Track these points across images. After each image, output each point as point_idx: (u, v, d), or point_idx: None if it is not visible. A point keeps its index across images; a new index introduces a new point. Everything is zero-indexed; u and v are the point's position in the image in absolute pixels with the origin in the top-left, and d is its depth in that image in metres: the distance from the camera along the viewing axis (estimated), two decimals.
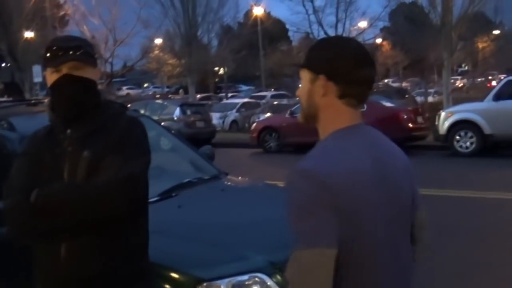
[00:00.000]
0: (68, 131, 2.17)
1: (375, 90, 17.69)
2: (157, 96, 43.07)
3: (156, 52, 40.99)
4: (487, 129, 13.96)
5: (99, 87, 2.34)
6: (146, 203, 2.30)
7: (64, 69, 2.14)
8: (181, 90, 45.13)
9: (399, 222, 1.71)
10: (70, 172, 2.14)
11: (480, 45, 49.34)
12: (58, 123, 2.21)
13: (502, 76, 28.46)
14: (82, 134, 2.17)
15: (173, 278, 2.96)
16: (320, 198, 1.55)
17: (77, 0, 31.42)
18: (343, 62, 1.67)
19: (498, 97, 13.93)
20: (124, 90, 54.38)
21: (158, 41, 37.21)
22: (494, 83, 31.42)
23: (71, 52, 2.14)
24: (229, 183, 4.47)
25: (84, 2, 31.89)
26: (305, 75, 1.73)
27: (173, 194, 3.88)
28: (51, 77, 2.17)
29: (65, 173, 2.14)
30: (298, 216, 1.56)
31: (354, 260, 1.58)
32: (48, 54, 2.17)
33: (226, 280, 2.94)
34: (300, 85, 1.77)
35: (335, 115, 1.69)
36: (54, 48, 2.17)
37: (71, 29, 33.43)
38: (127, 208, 2.10)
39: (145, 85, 65.00)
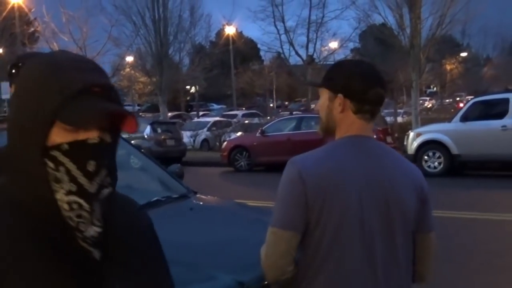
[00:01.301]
0: None
1: None
2: None
3: (127, 70, 40.79)
4: (454, 150, 14.17)
5: None
6: None
7: None
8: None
9: (383, 231, 1.85)
10: None
11: (448, 67, 50.38)
12: None
13: (469, 97, 29.05)
14: None
15: None
16: (295, 184, 1.83)
17: (48, 17, 31.12)
18: (356, 83, 1.92)
19: (465, 118, 14.17)
20: None
21: (129, 59, 37.03)
22: (461, 104, 31.98)
23: None
24: (198, 202, 4.44)
25: (54, 19, 31.58)
26: (324, 94, 1.99)
27: None
28: None
29: None
30: (278, 196, 1.88)
31: (313, 251, 1.85)
32: (13, 71, 2.16)
33: None
34: (319, 101, 2.05)
35: (349, 127, 1.94)
36: (20, 64, 2.16)
37: (41, 46, 33.00)
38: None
39: None
